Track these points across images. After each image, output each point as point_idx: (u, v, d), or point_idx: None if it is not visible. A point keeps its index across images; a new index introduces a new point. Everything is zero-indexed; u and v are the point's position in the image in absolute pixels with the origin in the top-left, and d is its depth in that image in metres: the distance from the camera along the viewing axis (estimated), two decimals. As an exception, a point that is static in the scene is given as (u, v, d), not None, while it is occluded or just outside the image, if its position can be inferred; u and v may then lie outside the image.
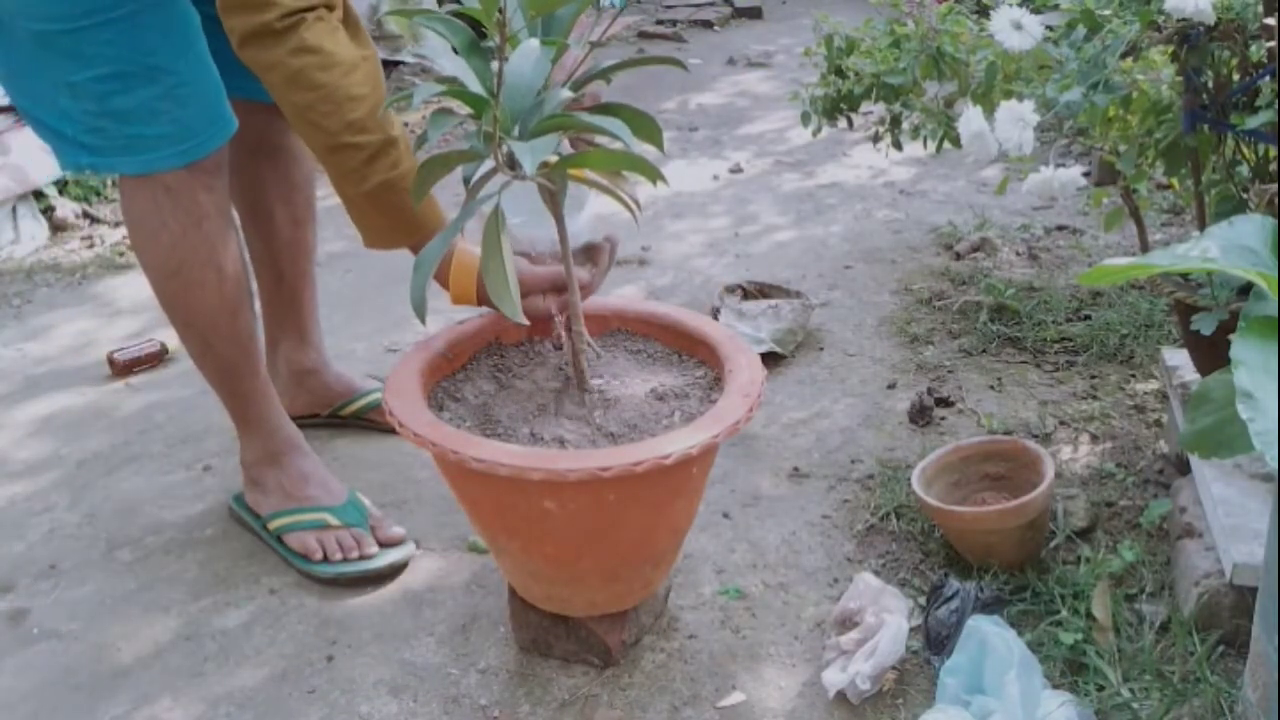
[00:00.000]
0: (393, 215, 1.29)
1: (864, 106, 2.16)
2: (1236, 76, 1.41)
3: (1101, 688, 1.22)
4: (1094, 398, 1.82)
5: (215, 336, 1.46)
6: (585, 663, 1.31)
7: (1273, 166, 1.44)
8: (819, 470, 1.68)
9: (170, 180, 1.37)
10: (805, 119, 2.24)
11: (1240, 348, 0.81)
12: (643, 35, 4.93)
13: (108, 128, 1.34)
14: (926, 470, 1.48)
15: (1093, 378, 1.89)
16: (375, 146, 1.26)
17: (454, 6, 1.12)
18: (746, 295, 2.15)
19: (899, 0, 2.05)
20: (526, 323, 1.18)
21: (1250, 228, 0.87)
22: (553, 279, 1.28)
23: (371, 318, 2.27)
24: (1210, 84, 1.42)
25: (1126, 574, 1.39)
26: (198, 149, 1.37)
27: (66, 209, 2.82)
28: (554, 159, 1.14)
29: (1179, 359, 1.57)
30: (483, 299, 1.30)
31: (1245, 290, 1.33)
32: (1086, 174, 2.56)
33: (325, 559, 1.48)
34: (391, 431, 1.45)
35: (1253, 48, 1.37)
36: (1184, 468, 1.53)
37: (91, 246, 2.72)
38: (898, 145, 2.18)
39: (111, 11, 1.28)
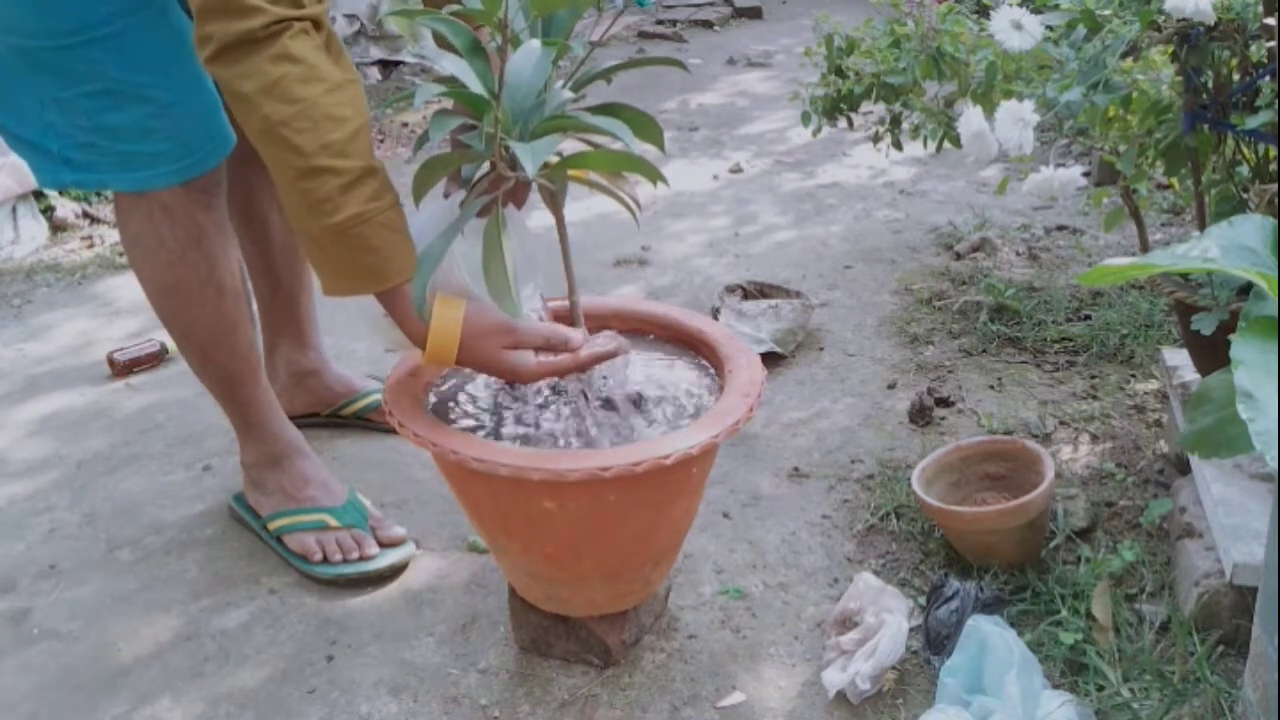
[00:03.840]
0: (363, 255, 1.12)
1: (864, 106, 2.16)
2: (1236, 76, 1.41)
3: (1101, 688, 1.22)
4: (1094, 398, 1.82)
5: (215, 350, 1.45)
6: (585, 663, 1.31)
7: (1273, 166, 1.44)
8: (819, 470, 1.68)
9: (167, 198, 1.34)
10: (805, 119, 2.24)
11: (1240, 348, 0.81)
12: (643, 35, 4.94)
13: (99, 143, 1.30)
14: (926, 470, 1.48)
15: (1093, 378, 1.89)
16: (355, 173, 1.10)
17: (454, 7, 1.12)
18: (746, 295, 2.15)
19: (899, 0, 2.05)
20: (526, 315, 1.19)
21: (1250, 228, 0.87)
22: (546, 335, 1.18)
23: (371, 318, 2.26)
24: (1210, 84, 1.42)
25: (1126, 574, 1.39)
26: (195, 166, 1.34)
27: (66, 209, 2.82)
28: (555, 159, 1.14)
29: (1179, 359, 1.57)
30: (464, 359, 1.16)
31: (1245, 290, 1.33)
32: (1086, 174, 2.57)
33: (325, 560, 1.47)
34: (391, 431, 1.45)
35: (1253, 48, 1.37)
36: (1184, 468, 1.53)
37: (91, 246, 2.72)
38: (898, 145, 2.18)
39: (99, 29, 1.24)
